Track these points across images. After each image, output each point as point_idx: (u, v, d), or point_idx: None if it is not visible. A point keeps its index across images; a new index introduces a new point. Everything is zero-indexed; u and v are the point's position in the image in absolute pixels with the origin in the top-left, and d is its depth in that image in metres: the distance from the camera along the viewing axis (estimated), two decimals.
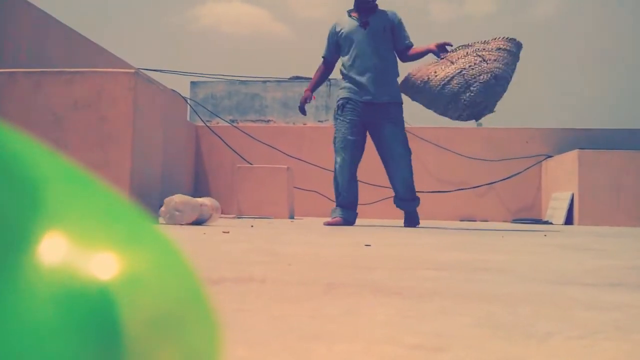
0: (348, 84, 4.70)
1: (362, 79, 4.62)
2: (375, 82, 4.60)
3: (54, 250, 0.19)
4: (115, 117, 3.53)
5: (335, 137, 4.74)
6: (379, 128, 4.67)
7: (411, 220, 4.76)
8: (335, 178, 4.71)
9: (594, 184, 7.28)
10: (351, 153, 4.64)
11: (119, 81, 3.59)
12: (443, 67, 4.33)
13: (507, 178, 8.66)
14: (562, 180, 7.89)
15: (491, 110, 4.30)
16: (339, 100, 4.76)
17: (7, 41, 4.72)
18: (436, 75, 4.33)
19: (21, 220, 0.19)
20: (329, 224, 4.51)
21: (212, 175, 9.20)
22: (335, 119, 4.76)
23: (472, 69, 4.22)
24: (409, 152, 4.69)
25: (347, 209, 4.64)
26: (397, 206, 4.82)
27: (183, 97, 8.88)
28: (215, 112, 11.30)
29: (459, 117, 4.36)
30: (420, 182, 8.84)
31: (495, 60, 4.21)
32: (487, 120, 12.42)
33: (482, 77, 4.18)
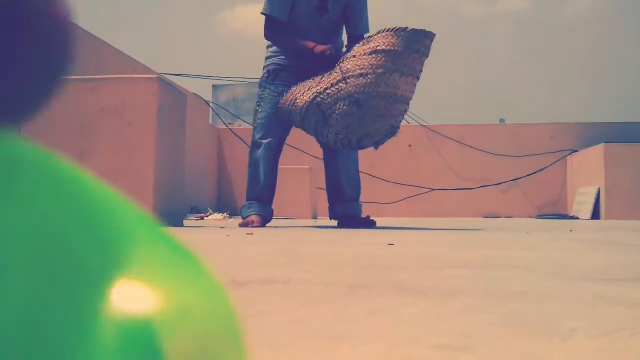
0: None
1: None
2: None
3: (102, 283, 0.20)
4: (139, 123, 3.57)
5: (258, 110, 3.82)
6: None
7: (364, 223, 3.78)
8: (254, 163, 3.77)
9: (620, 178, 7.18)
10: (280, 134, 3.80)
11: (143, 87, 3.63)
12: (304, 92, 3.45)
13: (532, 174, 8.58)
14: (588, 175, 7.79)
15: (384, 136, 3.30)
16: (269, 65, 3.84)
17: None
18: (296, 104, 3.50)
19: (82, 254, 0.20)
20: (246, 225, 3.66)
21: (235, 177, 9.25)
22: (264, 87, 3.82)
23: (329, 95, 3.28)
24: None
25: (264, 204, 3.79)
26: (338, 213, 3.87)
27: (205, 100, 8.95)
28: (237, 115, 11.36)
29: (341, 149, 3.53)
30: (443, 180, 8.83)
31: (361, 75, 3.17)
32: (510, 116, 12.30)
33: (338, 106, 3.25)
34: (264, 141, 3.74)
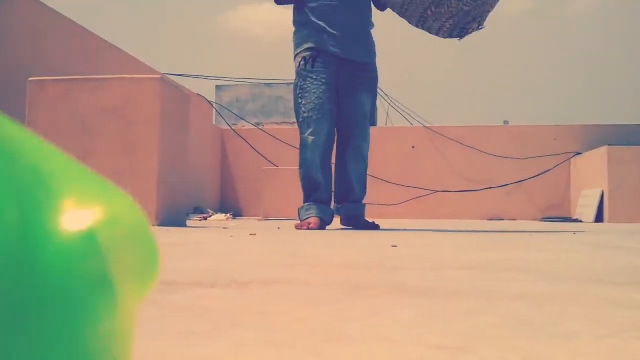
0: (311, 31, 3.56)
1: (332, 28, 3.50)
2: (351, 36, 3.53)
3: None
4: (142, 123, 3.58)
5: (302, 102, 3.54)
6: (351, 95, 3.60)
7: (368, 226, 3.67)
8: (306, 162, 3.58)
9: (624, 181, 7.17)
10: (330, 127, 3.55)
11: (146, 87, 3.63)
12: None
13: (536, 176, 8.56)
14: (591, 177, 7.78)
15: (480, 25, 3.38)
16: (303, 52, 3.58)
17: (36, 50, 4.80)
18: None
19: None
20: (303, 227, 3.46)
21: (238, 178, 9.25)
22: (304, 76, 3.53)
23: None
24: (369, 136, 3.73)
25: (324, 206, 3.60)
26: (344, 212, 3.72)
27: (209, 101, 8.95)
28: (240, 116, 11.37)
29: (439, 30, 3.42)
30: (446, 182, 8.82)
31: None
32: (514, 118, 12.30)
33: None
34: (314, 138, 3.51)
